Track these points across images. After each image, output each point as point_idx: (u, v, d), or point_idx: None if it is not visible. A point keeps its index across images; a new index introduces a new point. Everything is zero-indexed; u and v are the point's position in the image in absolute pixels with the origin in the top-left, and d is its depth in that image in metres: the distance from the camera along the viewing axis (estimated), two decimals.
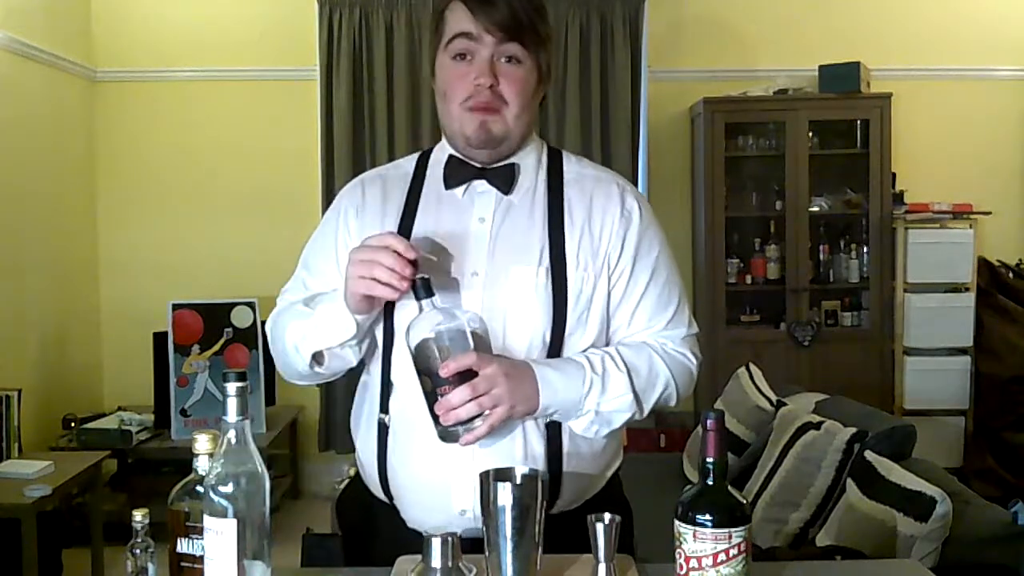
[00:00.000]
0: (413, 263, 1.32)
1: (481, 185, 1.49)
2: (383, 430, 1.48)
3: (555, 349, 1.44)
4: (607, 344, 1.50)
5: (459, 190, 1.49)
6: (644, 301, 1.50)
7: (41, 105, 4.46)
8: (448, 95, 1.46)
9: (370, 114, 4.84)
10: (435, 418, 1.34)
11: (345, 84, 4.79)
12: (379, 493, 1.52)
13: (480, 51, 1.42)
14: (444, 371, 1.31)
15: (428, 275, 1.34)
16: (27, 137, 4.31)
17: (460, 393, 1.31)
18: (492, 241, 1.46)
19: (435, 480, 1.43)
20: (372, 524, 1.54)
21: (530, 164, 1.53)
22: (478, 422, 1.33)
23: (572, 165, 1.56)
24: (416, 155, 1.61)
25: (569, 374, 1.40)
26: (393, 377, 1.47)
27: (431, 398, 1.34)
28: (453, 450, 1.39)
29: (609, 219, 1.49)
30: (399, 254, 1.31)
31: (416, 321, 1.34)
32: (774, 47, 5.04)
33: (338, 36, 4.80)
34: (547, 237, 1.46)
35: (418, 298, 1.33)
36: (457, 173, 1.49)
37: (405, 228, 1.49)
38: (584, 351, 1.45)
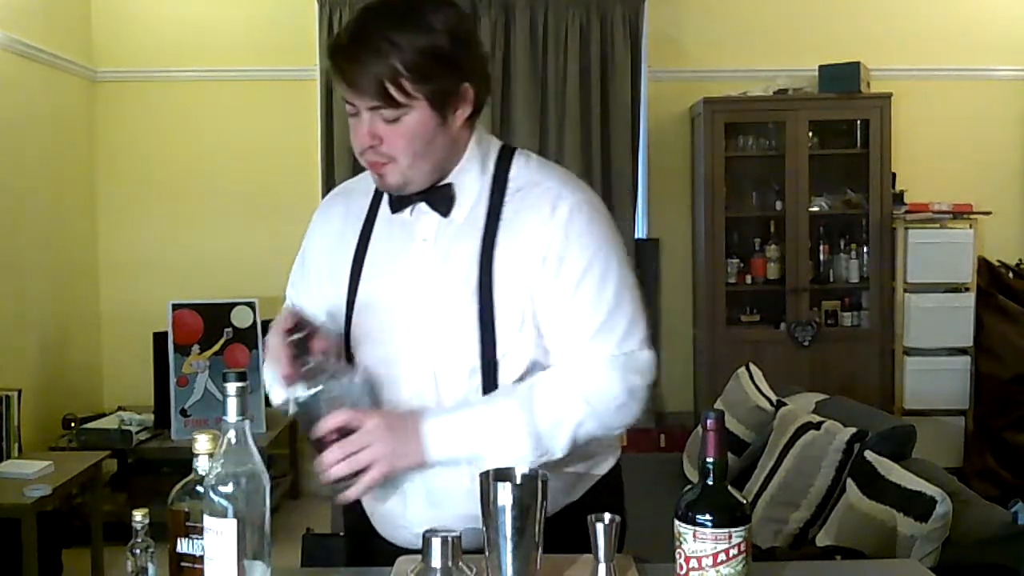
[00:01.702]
0: (298, 333, 1.37)
1: (425, 206, 1.46)
2: None
3: (489, 373, 1.42)
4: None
5: (406, 211, 1.47)
6: (567, 319, 1.42)
7: (41, 105, 4.46)
8: (351, 141, 1.45)
9: None
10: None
11: None
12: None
13: (361, 112, 1.39)
14: (315, 432, 1.32)
15: (306, 333, 1.37)
16: (27, 137, 4.31)
17: (332, 452, 1.32)
18: (431, 263, 1.44)
19: (391, 500, 1.45)
20: (358, 526, 1.55)
21: (470, 180, 1.45)
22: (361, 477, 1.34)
23: (521, 171, 1.47)
24: None
25: (464, 426, 1.38)
26: None
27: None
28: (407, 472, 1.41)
29: (538, 230, 1.41)
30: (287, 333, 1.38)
31: (297, 384, 1.36)
32: (774, 47, 5.04)
33: None
34: (478, 258, 1.41)
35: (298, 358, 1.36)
36: (400, 197, 1.47)
37: (361, 249, 1.50)
38: (494, 392, 1.41)
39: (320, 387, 1.33)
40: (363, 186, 1.56)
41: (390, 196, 1.47)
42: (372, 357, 1.47)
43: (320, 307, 1.54)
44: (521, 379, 1.42)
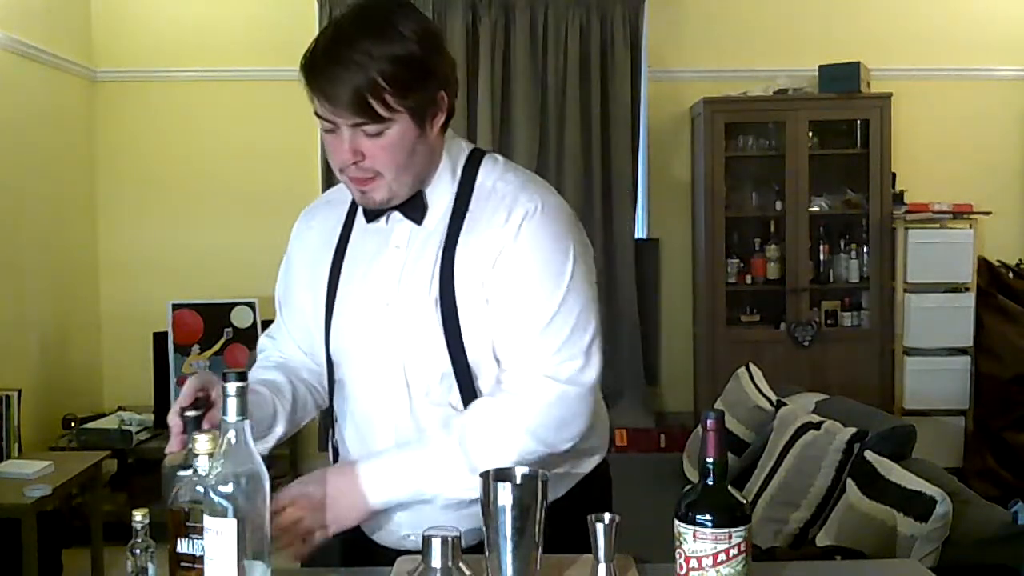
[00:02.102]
0: (194, 411, 1.37)
1: (395, 215, 1.46)
2: (335, 452, 1.58)
3: (465, 380, 1.42)
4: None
5: (381, 220, 1.48)
6: (513, 327, 1.40)
7: (41, 105, 4.46)
8: (328, 158, 1.43)
9: None
10: None
11: None
12: None
13: (340, 128, 1.36)
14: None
15: (202, 412, 1.38)
16: (27, 137, 4.31)
17: (283, 538, 1.33)
18: (402, 270, 1.44)
19: None
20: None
21: (442, 189, 1.46)
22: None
23: (487, 176, 1.46)
24: None
25: (401, 469, 1.39)
26: (335, 411, 1.54)
27: None
28: None
29: (492, 235, 1.41)
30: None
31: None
32: (774, 47, 5.04)
33: None
34: (439, 265, 1.41)
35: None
36: (373, 209, 1.47)
37: (338, 258, 1.51)
38: (435, 429, 1.41)
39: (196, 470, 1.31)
40: (339, 196, 1.57)
41: (365, 207, 1.47)
42: (349, 365, 1.50)
43: (302, 320, 1.57)
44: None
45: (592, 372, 1.41)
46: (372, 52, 1.31)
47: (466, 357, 1.41)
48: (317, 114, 1.36)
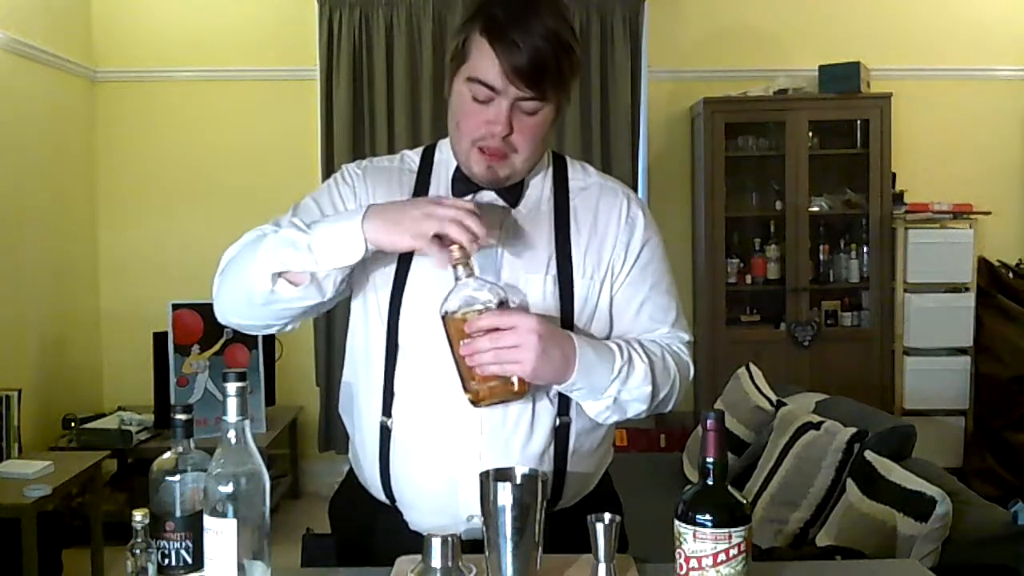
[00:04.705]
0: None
1: (488, 195, 1.47)
2: (385, 433, 1.47)
3: None
4: None
5: (466, 199, 1.46)
6: (645, 307, 1.51)
7: (41, 105, 4.46)
8: (461, 127, 1.42)
9: (370, 114, 4.84)
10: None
11: (345, 84, 4.79)
12: (380, 496, 1.51)
13: (500, 99, 1.37)
14: (468, 327, 1.29)
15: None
16: (27, 137, 4.31)
17: (486, 354, 1.28)
18: (500, 251, 1.45)
19: (440, 485, 1.43)
20: (371, 525, 1.53)
21: (537, 177, 1.52)
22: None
23: (577, 173, 1.56)
24: (420, 151, 1.58)
25: (603, 356, 1.39)
26: (397, 387, 1.46)
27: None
28: (458, 455, 1.41)
29: (613, 226, 1.50)
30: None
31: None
32: (774, 47, 5.04)
33: (338, 36, 4.80)
34: (554, 246, 1.46)
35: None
36: (464, 184, 1.47)
37: None
38: (609, 338, 1.46)
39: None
40: (397, 165, 1.55)
41: (455, 181, 1.47)
42: (430, 343, 1.41)
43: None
44: None
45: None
46: (554, 31, 1.35)
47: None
48: (475, 79, 1.36)
